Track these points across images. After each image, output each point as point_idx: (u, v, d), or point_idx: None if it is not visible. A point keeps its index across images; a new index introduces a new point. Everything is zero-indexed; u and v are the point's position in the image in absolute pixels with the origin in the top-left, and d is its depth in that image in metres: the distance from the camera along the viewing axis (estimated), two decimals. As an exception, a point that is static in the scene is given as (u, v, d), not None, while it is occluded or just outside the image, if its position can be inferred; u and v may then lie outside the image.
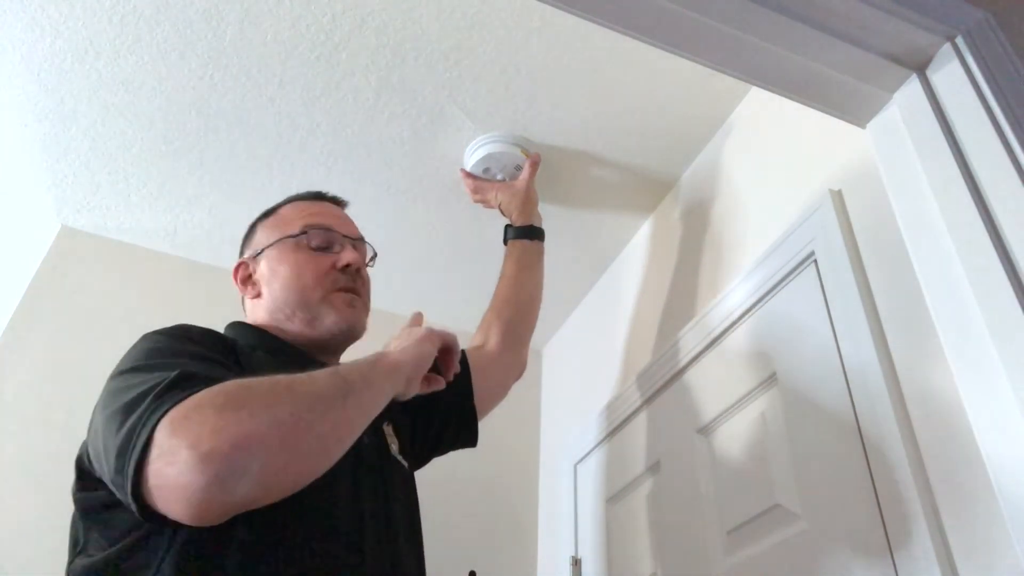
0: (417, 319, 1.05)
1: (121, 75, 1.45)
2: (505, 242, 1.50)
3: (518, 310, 1.38)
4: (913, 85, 0.93)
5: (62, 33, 1.37)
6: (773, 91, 0.98)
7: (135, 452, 0.64)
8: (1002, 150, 0.81)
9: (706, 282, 1.47)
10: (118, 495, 0.69)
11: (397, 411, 1.03)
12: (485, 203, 1.60)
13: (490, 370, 1.28)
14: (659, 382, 1.49)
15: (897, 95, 0.95)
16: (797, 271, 1.19)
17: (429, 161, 1.64)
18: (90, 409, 0.80)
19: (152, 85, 1.47)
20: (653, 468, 1.46)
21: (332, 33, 1.38)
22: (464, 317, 1.99)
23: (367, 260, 1.15)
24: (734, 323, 1.31)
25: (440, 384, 0.97)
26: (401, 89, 1.48)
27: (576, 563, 1.64)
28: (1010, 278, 0.75)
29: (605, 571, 1.54)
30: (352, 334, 1.05)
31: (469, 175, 1.61)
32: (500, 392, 1.33)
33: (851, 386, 1.02)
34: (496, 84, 1.47)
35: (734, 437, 1.25)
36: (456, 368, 1.00)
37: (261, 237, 1.11)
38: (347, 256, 1.06)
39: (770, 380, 1.20)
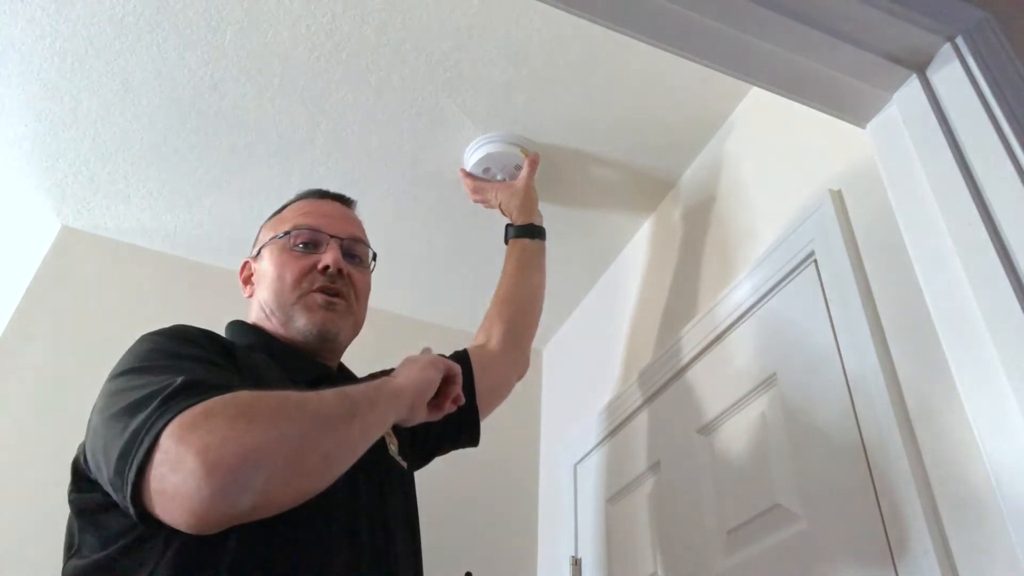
0: (426, 352, 1.03)
1: (121, 75, 1.45)
2: (506, 242, 1.50)
3: (520, 308, 1.38)
4: (913, 85, 0.93)
5: (62, 33, 1.37)
6: (773, 91, 0.98)
7: (138, 455, 0.64)
8: (1002, 150, 0.81)
9: (706, 282, 1.47)
10: (115, 497, 0.69)
11: None
12: (485, 203, 1.60)
13: (493, 369, 1.27)
14: (659, 382, 1.49)
15: (897, 95, 0.95)
16: (797, 271, 1.19)
17: (429, 161, 1.64)
18: (89, 409, 0.80)
19: (152, 85, 1.48)
20: (653, 468, 1.46)
21: (332, 33, 1.38)
22: (465, 317, 1.99)
23: (367, 261, 1.14)
24: (734, 323, 1.31)
25: (441, 413, 0.98)
26: (401, 89, 1.48)
27: (576, 563, 1.64)
28: (1010, 278, 0.75)
29: (605, 571, 1.54)
30: (325, 337, 1.01)
31: (468, 175, 1.61)
32: (503, 391, 1.32)
33: (851, 386, 1.02)
34: (496, 84, 1.47)
35: (734, 437, 1.25)
36: (460, 399, 1.00)
37: (263, 236, 1.12)
38: (327, 257, 1.03)
39: (770, 380, 1.20)
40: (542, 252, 1.49)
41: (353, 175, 1.67)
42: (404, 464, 1.02)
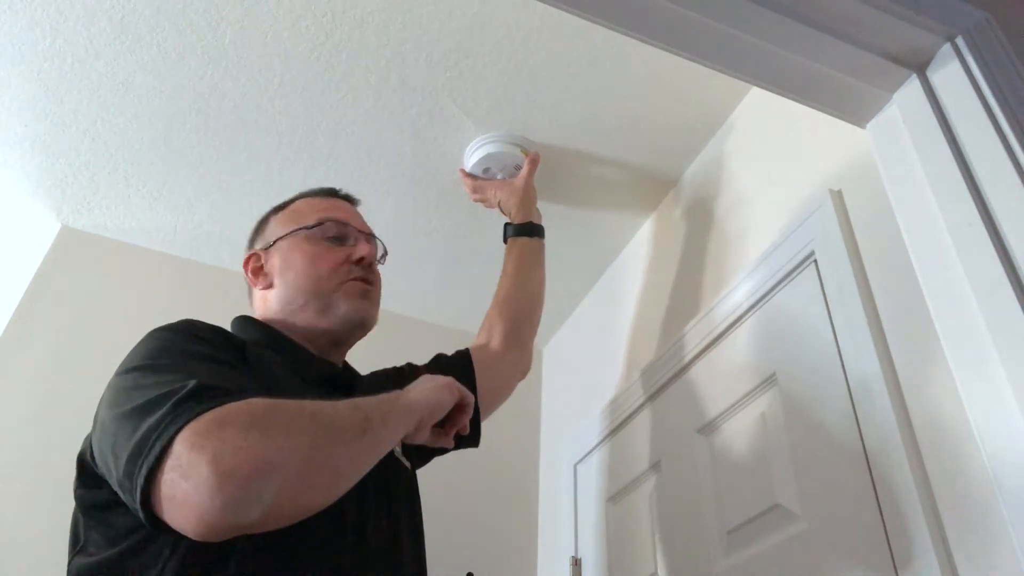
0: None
1: (121, 75, 1.45)
2: (505, 241, 1.50)
3: (520, 307, 1.38)
4: (913, 85, 0.93)
5: (62, 33, 1.37)
6: (773, 91, 0.98)
7: (149, 458, 0.63)
8: (1002, 150, 0.81)
9: (706, 282, 1.47)
10: (123, 497, 0.68)
11: None
12: (485, 202, 1.60)
13: (494, 368, 1.27)
14: (659, 382, 1.49)
15: (897, 95, 0.95)
16: (797, 271, 1.19)
17: (429, 161, 1.64)
18: (91, 409, 0.80)
19: (152, 85, 1.48)
20: (653, 468, 1.46)
21: (332, 33, 1.38)
22: (465, 317, 1.99)
23: (379, 257, 1.16)
24: (734, 323, 1.31)
25: (449, 442, 0.96)
26: (401, 89, 1.48)
27: (576, 563, 1.64)
28: (1010, 278, 0.75)
29: (605, 571, 1.54)
30: (364, 325, 1.05)
31: (468, 175, 1.61)
32: (504, 391, 1.32)
33: (851, 386, 1.02)
34: (496, 84, 1.47)
35: (734, 437, 1.25)
36: (465, 429, 0.98)
37: (274, 229, 1.09)
38: (362, 249, 1.07)
39: (770, 380, 1.20)
40: (541, 250, 1.49)
41: (353, 175, 1.67)
42: (408, 465, 1.02)
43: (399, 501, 0.94)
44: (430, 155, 1.63)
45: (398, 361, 1.24)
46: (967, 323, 0.78)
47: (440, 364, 1.22)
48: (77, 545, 0.78)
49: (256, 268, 1.07)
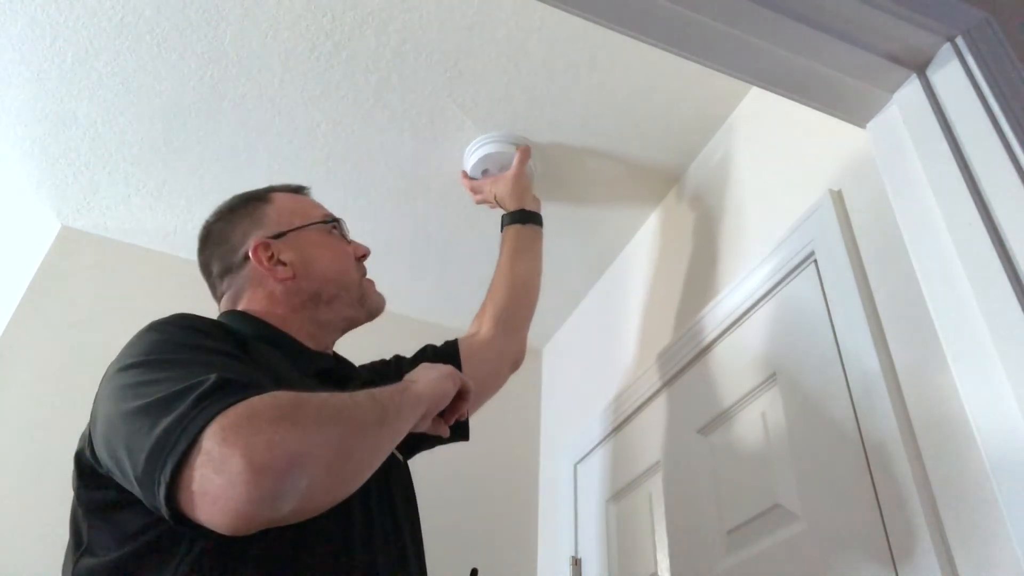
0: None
1: (121, 75, 1.45)
2: (501, 231, 1.49)
3: (511, 294, 1.36)
4: (913, 85, 0.93)
5: (62, 33, 1.37)
6: (773, 91, 0.98)
7: (174, 455, 0.62)
8: (1002, 150, 0.81)
9: (705, 282, 1.47)
10: (141, 495, 0.67)
11: None
12: (487, 202, 1.60)
13: (482, 357, 1.25)
14: (659, 382, 1.49)
15: (897, 95, 0.95)
16: (797, 271, 1.19)
17: (429, 161, 1.64)
18: (89, 409, 0.79)
19: (152, 85, 1.48)
20: (653, 468, 1.46)
21: (332, 33, 1.38)
22: (465, 317, 1.98)
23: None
24: (734, 323, 1.31)
25: (445, 431, 0.97)
26: (401, 89, 1.48)
27: (576, 563, 1.64)
28: (1010, 278, 0.75)
29: (605, 571, 1.54)
30: (377, 315, 1.11)
31: (468, 178, 1.61)
32: (494, 381, 1.29)
33: (851, 386, 1.02)
34: (496, 84, 1.47)
35: (734, 437, 1.25)
36: (463, 416, 1.00)
37: (276, 219, 1.05)
38: (361, 247, 1.11)
39: (770, 380, 1.20)
40: (536, 237, 1.47)
41: (353, 175, 1.67)
42: (401, 457, 1.02)
43: (398, 495, 0.94)
44: (430, 155, 1.63)
45: (394, 361, 1.24)
46: (967, 323, 0.78)
47: (427, 355, 1.22)
48: (81, 546, 0.76)
49: (269, 256, 1.01)
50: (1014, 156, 0.80)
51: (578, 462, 1.76)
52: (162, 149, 1.61)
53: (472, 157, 1.60)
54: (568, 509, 1.73)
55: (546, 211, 1.59)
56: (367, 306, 1.08)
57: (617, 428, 1.63)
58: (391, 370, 1.16)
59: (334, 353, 1.08)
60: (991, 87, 0.85)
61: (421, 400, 0.85)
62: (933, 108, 0.90)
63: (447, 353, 1.22)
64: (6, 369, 1.60)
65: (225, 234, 1.05)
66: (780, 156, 1.35)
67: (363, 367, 1.15)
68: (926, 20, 0.91)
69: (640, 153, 1.63)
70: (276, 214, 1.06)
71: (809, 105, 0.99)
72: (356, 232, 1.15)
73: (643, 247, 1.79)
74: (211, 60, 1.43)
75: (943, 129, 0.87)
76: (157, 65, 1.44)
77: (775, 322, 1.22)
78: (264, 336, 0.94)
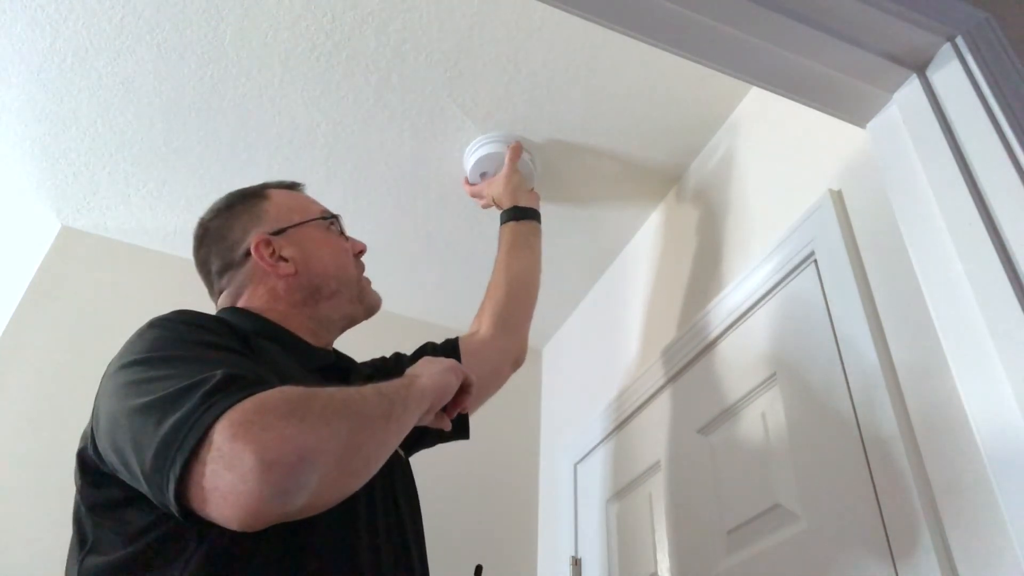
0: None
1: (121, 75, 1.45)
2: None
3: (509, 292, 1.35)
4: (913, 85, 0.93)
5: (62, 33, 1.37)
6: (773, 91, 0.98)
7: (183, 451, 0.62)
8: (1002, 150, 0.81)
9: (705, 282, 1.47)
10: (149, 492, 0.67)
11: None
12: (488, 205, 1.59)
13: (482, 355, 1.25)
14: (659, 382, 1.49)
15: (897, 95, 0.95)
16: (797, 271, 1.19)
17: (429, 161, 1.64)
18: (90, 409, 0.79)
19: (152, 85, 1.48)
20: (653, 468, 1.46)
21: (332, 33, 1.38)
22: (464, 317, 1.98)
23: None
24: (734, 323, 1.31)
25: (447, 424, 0.97)
26: (401, 89, 1.48)
27: (576, 563, 1.64)
28: (1010, 278, 0.75)
29: (605, 571, 1.54)
30: (374, 313, 1.12)
31: (469, 184, 1.60)
32: (495, 380, 1.29)
33: (851, 386, 1.02)
34: (496, 84, 1.47)
35: (734, 437, 1.25)
36: (465, 410, 1.00)
37: (276, 215, 1.04)
38: (358, 244, 1.11)
39: (770, 380, 1.20)
40: (531, 232, 1.46)
41: (353, 175, 1.67)
42: (402, 453, 1.02)
43: (401, 491, 0.94)
44: (430, 155, 1.63)
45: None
46: (967, 323, 0.78)
47: (427, 353, 1.21)
48: (85, 545, 0.75)
49: (271, 252, 1.01)
50: (1014, 156, 0.80)
51: (578, 462, 1.76)
52: (162, 149, 1.61)
53: (471, 159, 1.60)
54: (568, 509, 1.73)
55: (546, 210, 1.59)
56: (365, 303, 1.08)
57: (617, 428, 1.63)
58: (391, 367, 1.17)
59: (335, 349, 1.08)
60: (991, 87, 0.85)
61: (426, 394, 0.85)
62: (933, 108, 0.90)
63: (447, 351, 1.22)
64: (6, 369, 1.60)
65: (223, 231, 1.04)
66: (780, 156, 1.35)
67: (364, 364, 1.15)
68: (926, 20, 0.91)
69: (640, 153, 1.63)
70: (275, 210, 1.05)
71: (809, 105, 0.99)
72: (356, 231, 1.16)
73: (643, 247, 1.79)
74: (211, 60, 1.43)
75: (943, 129, 0.87)
76: (157, 65, 1.44)
77: (775, 322, 1.23)
78: (266, 332, 0.94)
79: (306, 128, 1.57)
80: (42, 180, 1.68)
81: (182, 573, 0.68)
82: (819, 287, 1.13)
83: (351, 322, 1.08)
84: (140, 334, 0.80)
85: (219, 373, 0.67)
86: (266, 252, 1.00)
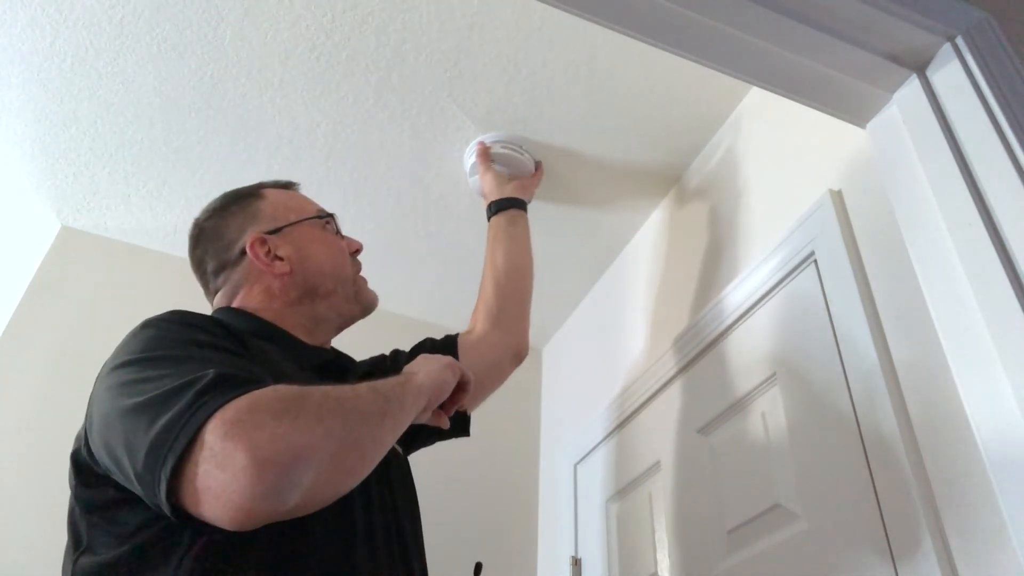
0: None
1: (121, 75, 1.45)
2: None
3: (496, 286, 1.34)
4: (913, 85, 0.93)
5: (62, 33, 1.37)
6: (773, 91, 0.98)
7: (174, 451, 0.61)
8: (1002, 150, 0.81)
9: (706, 282, 1.47)
10: (141, 493, 0.67)
11: None
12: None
13: (478, 351, 1.24)
14: (659, 382, 1.49)
15: (897, 95, 0.95)
16: (797, 271, 1.19)
17: (429, 161, 1.64)
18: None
19: (152, 85, 1.48)
20: (653, 468, 1.46)
21: (332, 33, 1.38)
22: (464, 317, 1.97)
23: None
24: (734, 323, 1.31)
25: (444, 422, 0.97)
26: (401, 89, 1.48)
27: (576, 563, 1.64)
28: (1010, 278, 0.75)
29: (605, 571, 1.54)
30: (371, 311, 1.11)
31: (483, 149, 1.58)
32: (494, 376, 1.28)
33: (851, 386, 1.02)
34: (496, 84, 1.47)
35: (734, 437, 1.25)
36: (463, 407, 1.00)
37: (271, 214, 1.04)
38: (354, 243, 1.11)
39: (770, 380, 1.20)
40: (512, 221, 1.44)
41: (353, 175, 1.67)
42: (401, 451, 1.02)
43: (398, 490, 0.94)
44: (430, 155, 1.63)
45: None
46: (967, 323, 0.78)
47: (425, 348, 1.21)
48: (80, 545, 0.75)
49: (266, 251, 1.00)
50: (1014, 156, 0.80)
51: (578, 462, 1.76)
52: (162, 149, 1.61)
53: (471, 159, 1.60)
54: (568, 509, 1.73)
55: (546, 211, 1.59)
56: (361, 301, 1.08)
57: (617, 428, 1.63)
58: (389, 364, 1.16)
59: (334, 348, 1.08)
60: (991, 87, 0.85)
61: (423, 391, 0.85)
62: (933, 108, 0.90)
63: (446, 347, 1.22)
64: (6, 369, 1.60)
65: (219, 231, 1.04)
66: (780, 156, 1.35)
67: (362, 362, 1.15)
68: (926, 20, 0.91)
69: (640, 153, 1.63)
70: (271, 209, 1.05)
71: (809, 105, 0.99)
72: (356, 231, 1.16)
73: (643, 247, 1.79)
74: (211, 60, 1.43)
75: (943, 129, 0.87)
76: (157, 65, 1.44)
77: (775, 322, 1.23)
78: (261, 332, 0.94)
79: (306, 128, 1.57)
80: (42, 180, 1.68)
81: (176, 573, 0.68)
82: (819, 287, 1.13)
83: (347, 321, 1.07)
84: (133, 335, 0.80)
85: (211, 372, 0.67)
86: (261, 251, 1.00)
